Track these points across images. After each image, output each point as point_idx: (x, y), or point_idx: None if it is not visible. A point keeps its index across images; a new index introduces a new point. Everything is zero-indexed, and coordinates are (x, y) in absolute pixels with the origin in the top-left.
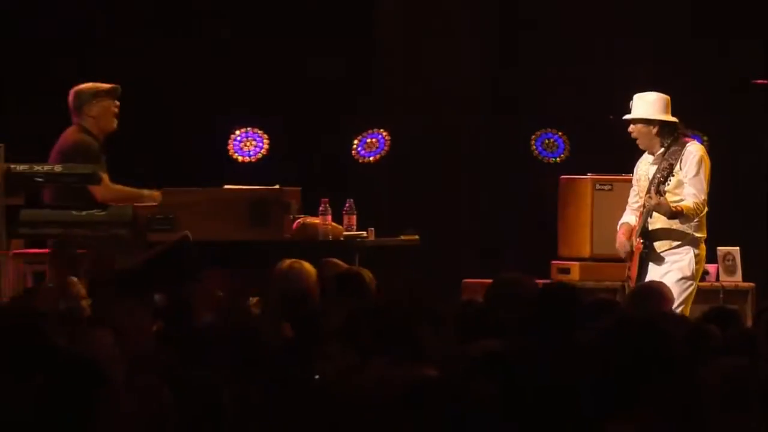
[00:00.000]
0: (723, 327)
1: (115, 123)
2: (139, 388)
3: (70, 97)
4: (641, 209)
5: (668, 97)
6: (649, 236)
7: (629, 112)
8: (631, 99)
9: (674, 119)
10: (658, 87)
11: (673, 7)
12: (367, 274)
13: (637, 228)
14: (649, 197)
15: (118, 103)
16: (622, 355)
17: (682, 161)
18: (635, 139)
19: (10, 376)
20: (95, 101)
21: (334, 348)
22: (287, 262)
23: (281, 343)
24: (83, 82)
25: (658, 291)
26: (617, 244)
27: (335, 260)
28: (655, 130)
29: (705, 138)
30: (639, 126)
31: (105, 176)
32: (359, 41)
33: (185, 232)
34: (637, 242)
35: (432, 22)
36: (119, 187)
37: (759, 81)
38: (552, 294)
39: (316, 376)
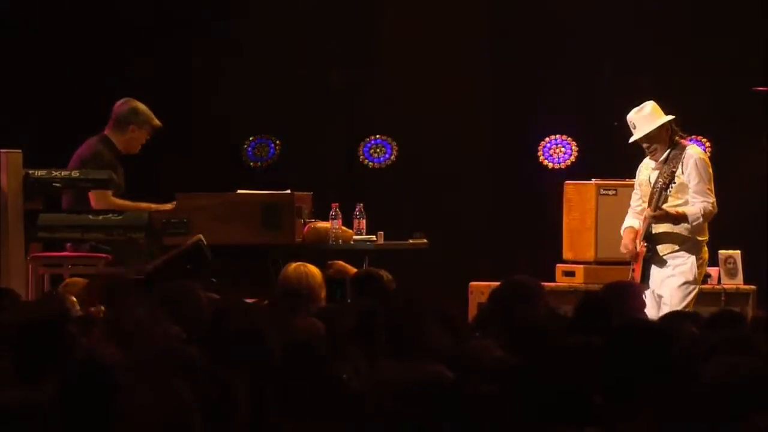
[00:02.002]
0: (729, 330)
1: (137, 150)
2: (158, 389)
3: (124, 106)
4: (644, 212)
5: (654, 102)
6: (652, 240)
7: (629, 132)
8: (626, 122)
9: (672, 116)
10: (660, 92)
11: (677, 12)
12: (386, 275)
13: (641, 232)
14: (649, 210)
15: (149, 137)
16: (621, 357)
17: (683, 165)
18: (652, 153)
19: (31, 376)
20: (137, 127)
21: (349, 348)
22: (293, 264)
23: (294, 344)
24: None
25: (630, 288)
26: (622, 247)
27: (341, 262)
28: (667, 134)
29: (706, 142)
30: (654, 136)
31: (108, 193)
32: (365, 46)
33: (199, 236)
34: (641, 246)
35: (439, 27)
36: (121, 202)
37: (759, 88)
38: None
39: (344, 375)
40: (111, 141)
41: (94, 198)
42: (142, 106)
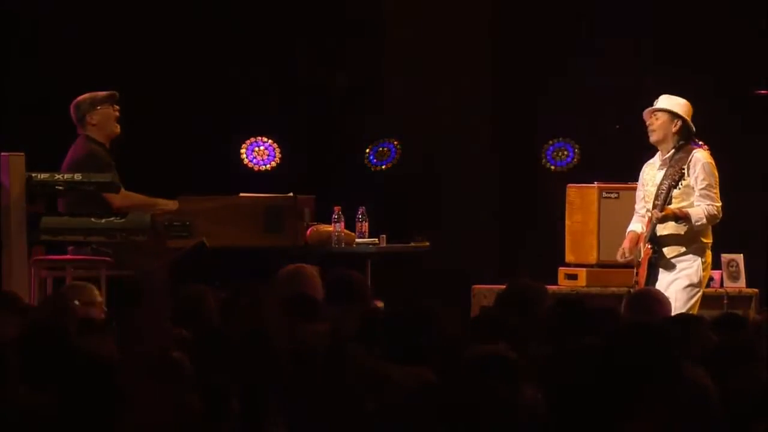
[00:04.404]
0: (731, 333)
1: (117, 128)
2: (162, 395)
3: (71, 110)
4: (648, 214)
5: (692, 108)
6: (658, 242)
7: (641, 117)
8: (638, 118)
9: (693, 127)
10: (662, 95)
11: (678, 14)
12: (357, 276)
13: (645, 234)
14: (655, 212)
15: (117, 107)
16: (625, 360)
17: (690, 168)
18: (650, 132)
19: (34, 379)
20: (95, 109)
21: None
22: (291, 267)
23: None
24: (101, 92)
25: (655, 297)
26: (618, 252)
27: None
28: (676, 128)
29: (705, 146)
30: (663, 118)
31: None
32: (369, 50)
33: (201, 239)
34: (647, 248)
35: (442, 29)
36: (135, 195)
37: (761, 91)
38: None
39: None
40: (92, 137)
41: (113, 200)
42: (82, 96)
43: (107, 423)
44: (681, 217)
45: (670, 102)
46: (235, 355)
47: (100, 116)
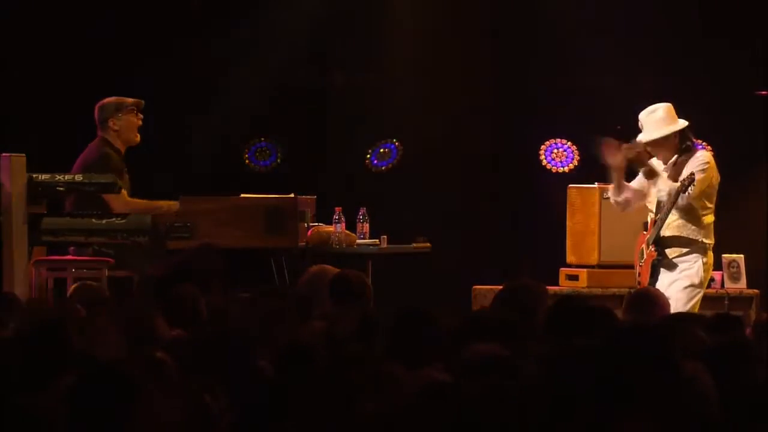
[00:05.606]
0: (725, 333)
1: (137, 137)
2: (176, 395)
3: (96, 111)
4: (652, 216)
5: (670, 105)
6: (661, 243)
7: (639, 130)
8: (638, 119)
9: (685, 122)
10: (662, 97)
11: (678, 17)
12: (357, 276)
13: (648, 237)
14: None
15: (141, 116)
16: (624, 360)
17: (689, 165)
18: (656, 155)
19: (34, 380)
20: (119, 114)
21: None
22: (314, 267)
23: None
24: (105, 95)
25: (653, 297)
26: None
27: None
28: (676, 139)
29: (708, 147)
30: (660, 143)
31: (124, 191)
32: (369, 51)
33: (206, 240)
34: (650, 250)
35: (442, 31)
36: (136, 201)
37: (761, 92)
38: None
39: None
40: (109, 141)
41: (111, 201)
42: (108, 99)
43: (108, 424)
44: (653, 175)
45: (655, 124)
46: (232, 355)
47: (123, 122)
